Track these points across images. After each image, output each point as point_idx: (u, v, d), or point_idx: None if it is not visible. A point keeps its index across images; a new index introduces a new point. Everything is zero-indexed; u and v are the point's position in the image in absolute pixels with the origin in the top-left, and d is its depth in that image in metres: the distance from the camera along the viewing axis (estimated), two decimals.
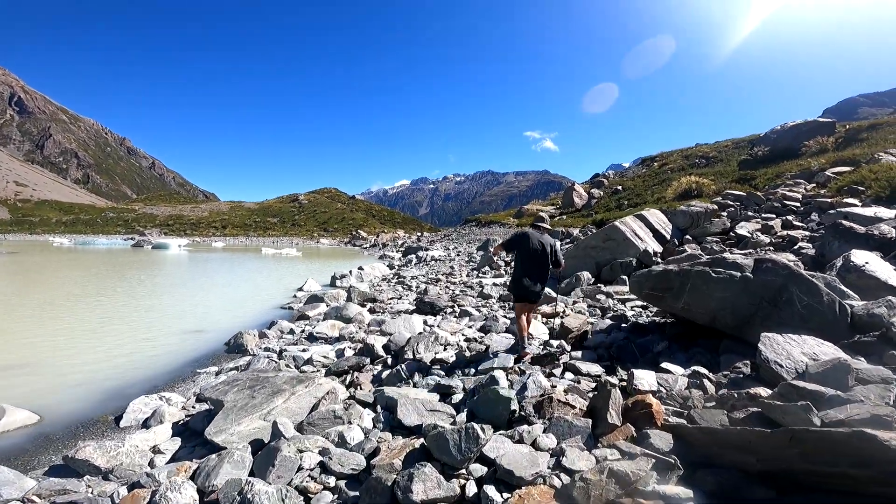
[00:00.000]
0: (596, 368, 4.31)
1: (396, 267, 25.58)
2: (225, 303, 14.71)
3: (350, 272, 20.88)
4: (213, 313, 12.82)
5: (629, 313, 6.53)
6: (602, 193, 44.05)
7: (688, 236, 10.35)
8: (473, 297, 10.23)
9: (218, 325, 11.16)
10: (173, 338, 9.81)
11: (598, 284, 8.87)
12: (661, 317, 5.57)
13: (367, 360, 5.72)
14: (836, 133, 31.99)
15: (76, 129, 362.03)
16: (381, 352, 5.92)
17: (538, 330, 5.87)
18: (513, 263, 5.57)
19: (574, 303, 7.64)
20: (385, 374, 5.06)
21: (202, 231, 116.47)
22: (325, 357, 6.19)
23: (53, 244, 66.15)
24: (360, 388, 4.85)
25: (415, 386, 4.62)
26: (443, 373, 4.86)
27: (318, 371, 5.89)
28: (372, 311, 10.13)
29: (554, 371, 4.41)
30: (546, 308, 6.77)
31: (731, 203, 12.53)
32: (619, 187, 42.75)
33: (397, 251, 42.11)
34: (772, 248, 7.94)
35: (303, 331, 9.15)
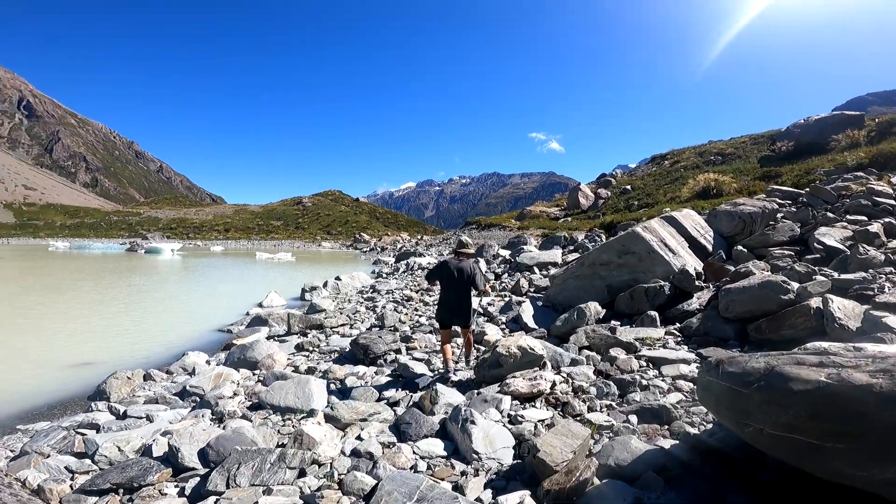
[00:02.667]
0: None
1: (385, 275, 23.07)
2: (158, 323, 12.27)
3: (325, 283, 18.36)
4: (128, 337, 10.52)
5: (672, 398, 3.82)
6: (609, 194, 41.35)
7: (740, 247, 7.49)
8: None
9: (119, 355, 9.00)
10: (43, 373, 7.70)
11: (613, 322, 6.16)
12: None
13: (159, 476, 3.15)
14: (866, 126, 29.23)
15: (84, 133, 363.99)
16: (195, 461, 3.35)
17: (499, 440, 3.23)
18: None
19: (572, 363, 4.87)
20: None
21: (205, 234, 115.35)
22: (119, 448, 3.65)
23: (49, 248, 64.99)
24: None
25: None
26: None
27: (89, 472, 3.44)
28: (300, 347, 7.55)
29: None
30: (521, 383, 4.06)
31: (782, 201, 9.72)
32: (629, 187, 40.00)
33: (393, 256, 39.64)
34: (895, 269, 5.21)
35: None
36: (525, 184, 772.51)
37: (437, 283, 5.42)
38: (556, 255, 12.68)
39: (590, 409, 3.82)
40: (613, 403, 3.87)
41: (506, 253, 17.70)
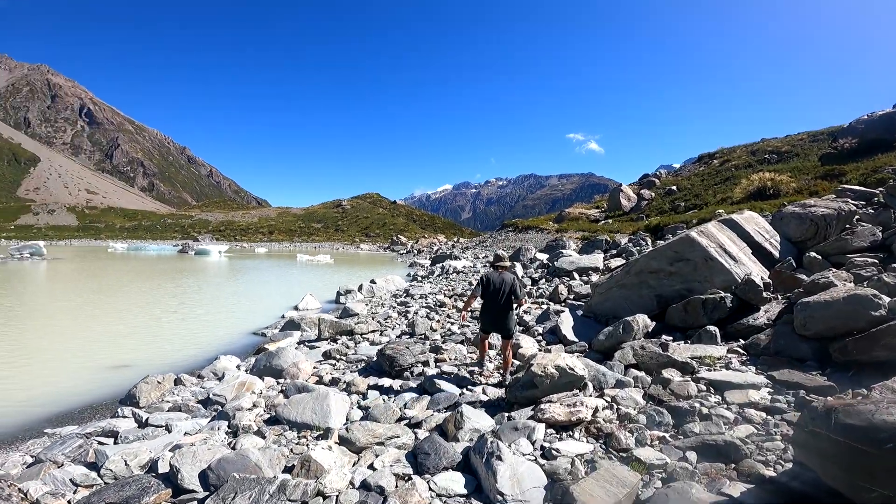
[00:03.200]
0: None
1: (420, 279, 22.89)
2: (197, 325, 12.46)
3: (360, 287, 18.33)
4: (167, 340, 10.72)
5: (741, 431, 3.18)
6: (653, 195, 39.60)
7: (813, 254, 6.55)
8: (472, 337, 7.30)
9: (156, 358, 9.13)
10: (81, 375, 7.85)
11: (663, 337, 5.49)
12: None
13: (156, 497, 2.94)
14: None
15: (141, 139, 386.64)
16: (195, 483, 3.11)
17: (528, 479, 2.75)
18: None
19: (618, 385, 4.22)
20: None
21: (250, 236, 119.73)
22: (126, 463, 3.47)
23: (108, 249, 68.99)
24: None
25: None
26: None
27: (93, 486, 3.34)
28: (327, 355, 7.30)
29: None
30: (558, 410, 3.55)
31: (855, 202, 8.62)
32: (674, 187, 38.16)
33: (429, 259, 39.49)
34: None
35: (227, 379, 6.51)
36: (563, 185, 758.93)
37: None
38: (597, 259, 11.91)
39: (638, 443, 3.25)
40: (667, 436, 3.29)
41: (543, 257, 17.00)
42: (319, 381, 5.86)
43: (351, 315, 12.84)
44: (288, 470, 3.27)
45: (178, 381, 7.01)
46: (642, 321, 5.48)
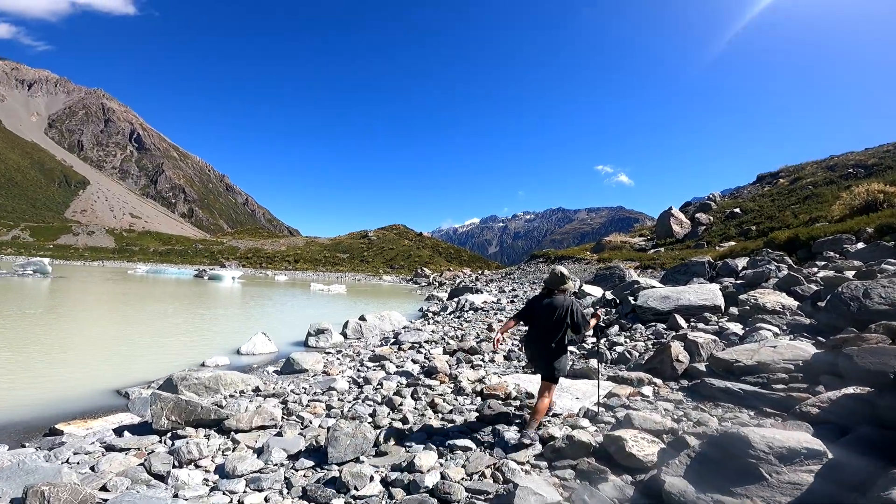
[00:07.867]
0: None
1: (430, 315, 18.05)
2: (45, 373, 7.91)
3: (346, 324, 13.73)
4: None
5: None
6: (711, 219, 33.94)
7: None
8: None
9: None
10: None
11: None
12: None
13: None
14: None
15: (184, 166, 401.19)
16: None
17: None
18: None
19: None
20: None
21: (276, 264, 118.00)
22: None
23: (128, 272, 67.92)
24: None
25: None
26: None
27: None
28: None
29: None
30: None
31: None
32: (737, 210, 32.41)
33: (448, 291, 34.65)
34: None
35: None
36: (592, 219, 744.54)
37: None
38: (711, 292, 6.56)
39: None
40: None
41: (596, 291, 11.45)
42: None
43: (297, 371, 8.15)
44: None
45: None
46: None
